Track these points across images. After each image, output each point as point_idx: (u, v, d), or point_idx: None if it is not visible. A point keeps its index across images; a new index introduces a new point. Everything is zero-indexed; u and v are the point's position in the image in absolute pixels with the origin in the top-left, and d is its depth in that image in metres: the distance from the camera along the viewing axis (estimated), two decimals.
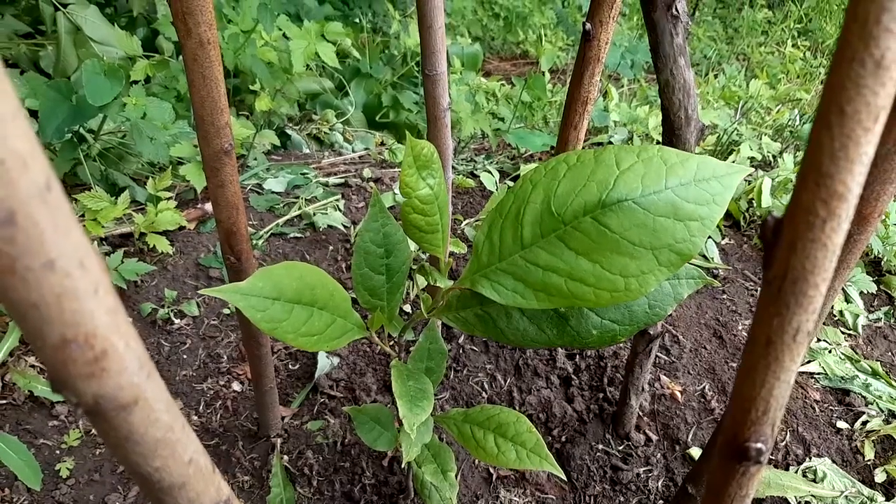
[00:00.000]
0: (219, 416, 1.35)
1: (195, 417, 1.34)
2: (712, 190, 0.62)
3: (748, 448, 0.40)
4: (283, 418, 1.34)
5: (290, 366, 1.46)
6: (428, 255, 1.03)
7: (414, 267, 0.83)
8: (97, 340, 0.29)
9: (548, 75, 2.94)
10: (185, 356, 1.44)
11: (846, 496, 1.21)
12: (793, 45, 4.54)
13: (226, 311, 1.54)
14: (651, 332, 1.14)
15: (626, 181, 0.62)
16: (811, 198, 0.32)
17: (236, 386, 1.41)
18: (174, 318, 1.49)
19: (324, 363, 1.43)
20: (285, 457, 1.28)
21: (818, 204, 0.32)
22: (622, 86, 3.43)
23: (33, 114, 1.77)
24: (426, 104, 0.91)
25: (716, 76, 3.73)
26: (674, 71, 0.72)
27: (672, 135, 0.77)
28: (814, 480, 1.24)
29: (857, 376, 1.47)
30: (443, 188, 0.64)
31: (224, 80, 0.71)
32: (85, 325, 0.28)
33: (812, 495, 1.20)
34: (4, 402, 1.28)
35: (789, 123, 2.87)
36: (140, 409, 0.34)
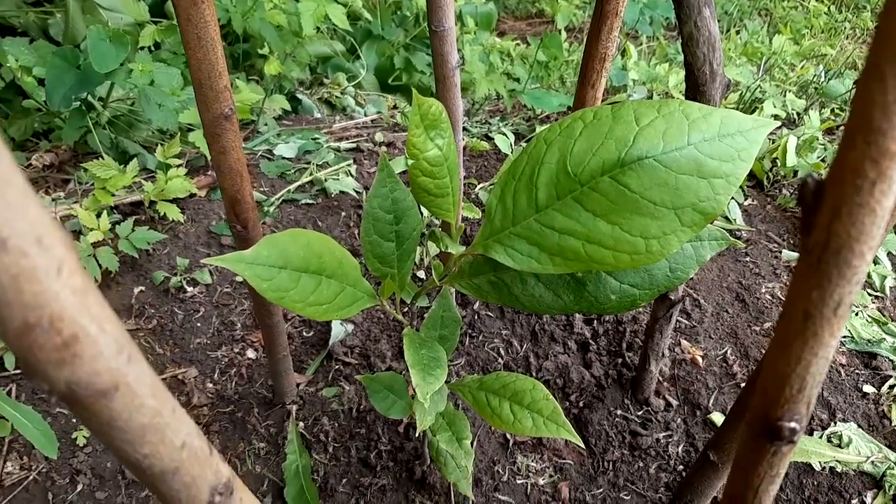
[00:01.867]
0: (234, 383, 1.34)
1: (210, 385, 1.33)
2: (737, 145, 0.59)
3: (781, 427, 0.37)
4: (297, 385, 1.33)
5: (304, 333, 1.44)
6: (440, 220, 1.00)
7: (425, 233, 0.80)
8: (64, 324, 0.26)
9: (564, 34, 2.86)
10: (198, 324, 1.43)
11: (872, 461, 1.18)
12: (816, 0, 4.38)
13: (238, 278, 1.52)
14: (672, 297, 1.10)
15: (646, 138, 0.58)
16: (859, 157, 0.28)
17: (251, 353, 1.40)
18: (187, 287, 1.47)
19: (338, 330, 1.41)
20: (301, 423, 1.27)
21: (867, 164, 0.28)
22: (641, 44, 3.33)
23: (42, 83, 1.75)
24: (434, 62, 0.87)
25: (737, 32, 3.61)
26: (698, 23, 0.67)
27: (696, 91, 0.73)
28: (839, 445, 1.21)
29: (885, 339, 1.43)
30: (452, 149, 0.61)
31: (221, 40, 0.67)
32: (49, 308, 0.26)
33: (837, 460, 1.18)
34: (19, 372, 1.28)
35: (814, 80, 2.78)
36: (122, 395, 0.31)
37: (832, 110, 2.39)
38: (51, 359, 0.27)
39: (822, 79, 2.76)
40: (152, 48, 2.09)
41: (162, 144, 1.59)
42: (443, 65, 0.86)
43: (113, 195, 1.50)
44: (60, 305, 0.26)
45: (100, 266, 1.38)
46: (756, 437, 0.40)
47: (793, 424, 0.37)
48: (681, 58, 3.03)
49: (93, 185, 1.49)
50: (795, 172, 1.87)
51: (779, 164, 1.89)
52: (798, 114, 2.33)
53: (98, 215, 1.40)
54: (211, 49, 0.65)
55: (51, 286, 0.25)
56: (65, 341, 0.27)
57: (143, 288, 1.46)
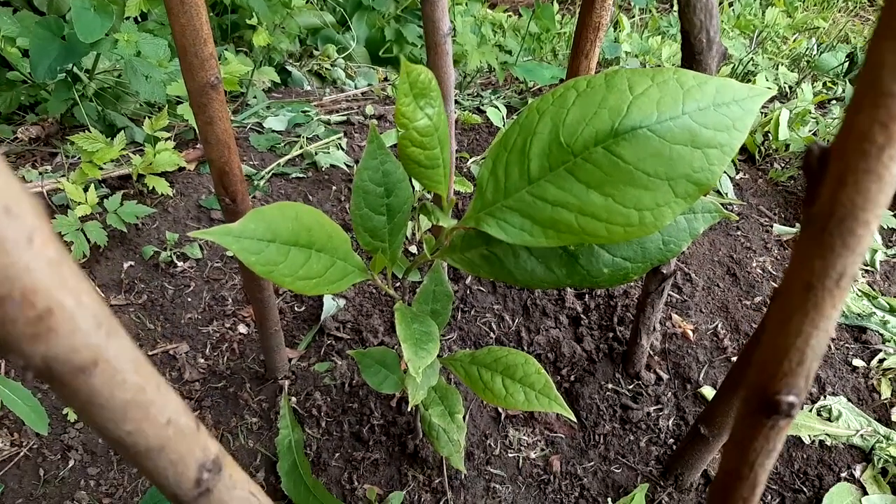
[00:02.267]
0: (226, 358, 1.33)
1: (202, 360, 1.32)
2: (732, 115, 0.58)
3: (779, 401, 0.37)
4: (289, 360, 1.32)
5: (295, 308, 1.43)
6: (432, 193, 0.99)
7: (416, 206, 0.79)
8: (38, 297, 0.25)
9: (556, 5, 2.82)
10: (189, 299, 1.42)
11: (861, 435, 1.18)
12: None
13: (229, 253, 1.51)
14: (664, 271, 1.10)
15: (640, 107, 0.57)
16: (867, 121, 0.27)
17: (242, 328, 1.39)
18: (177, 261, 1.46)
19: (330, 305, 1.41)
20: (293, 398, 1.26)
21: (876, 128, 0.27)
22: (633, 16, 3.30)
23: (27, 54, 1.71)
24: (424, 29, 0.85)
25: (730, 5, 3.58)
26: None
27: (692, 60, 0.72)
28: (828, 419, 1.21)
29: (875, 313, 1.43)
30: (443, 119, 0.59)
31: (206, 5, 0.65)
32: (21, 280, 0.24)
33: (826, 434, 1.18)
34: None
35: (806, 53, 2.76)
36: (101, 371, 0.30)
37: (824, 84, 2.38)
38: (25, 334, 0.26)
39: (815, 52, 2.74)
40: (139, 19, 2.05)
41: (150, 117, 1.56)
42: (434, 32, 0.84)
43: (100, 169, 1.48)
44: (33, 277, 0.25)
45: (88, 240, 1.36)
46: (753, 411, 0.39)
47: (791, 399, 0.37)
48: (674, 30, 3.01)
49: (80, 158, 1.46)
50: (787, 146, 1.86)
51: (771, 138, 1.88)
52: (790, 87, 2.32)
53: (85, 189, 1.38)
54: (195, 14, 0.63)
55: (21, 257, 0.24)
56: (39, 315, 0.26)
57: (132, 263, 1.44)
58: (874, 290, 1.53)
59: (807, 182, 0.32)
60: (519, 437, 1.23)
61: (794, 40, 2.87)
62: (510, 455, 1.21)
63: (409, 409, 1.23)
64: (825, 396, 1.27)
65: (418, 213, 0.75)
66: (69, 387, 0.30)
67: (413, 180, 0.86)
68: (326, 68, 2.38)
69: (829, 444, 1.19)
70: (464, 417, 1.23)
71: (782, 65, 2.52)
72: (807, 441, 1.18)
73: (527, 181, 0.62)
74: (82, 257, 1.37)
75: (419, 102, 0.57)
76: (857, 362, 1.35)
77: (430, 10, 0.81)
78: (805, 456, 1.19)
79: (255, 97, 2.01)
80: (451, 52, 0.86)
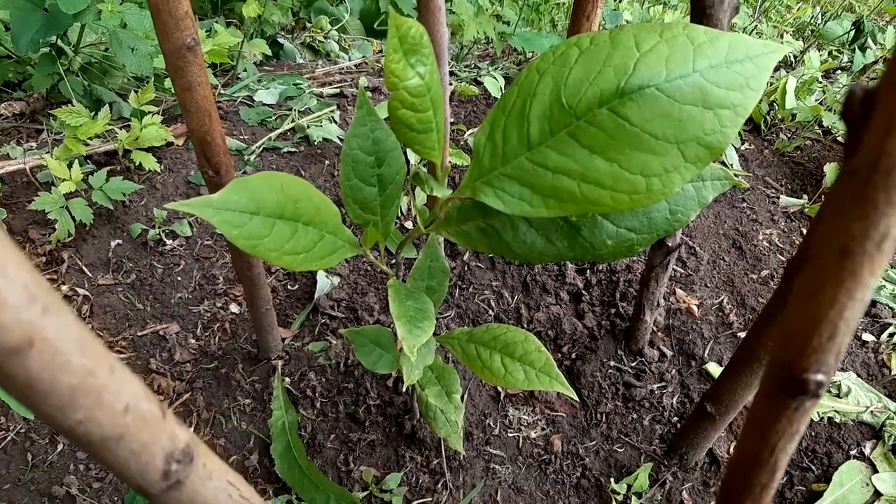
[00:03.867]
0: (217, 338, 1.30)
1: (193, 341, 1.29)
2: (746, 72, 0.54)
3: (807, 381, 0.33)
4: (283, 340, 1.29)
5: (288, 286, 1.39)
6: (427, 162, 0.94)
7: (410, 177, 0.74)
8: None
9: None
10: (179, 278, 1.38)
11: (871, 411, 1.15)
12: None
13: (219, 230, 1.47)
14: (669, 244, 1.06)
15: (647, 65, 0.52)
16: None
17: (234, 308, 1.35)
18: (166, 239, 1.42)
19: (323, 283, 1.37)
20: (287, 379, 1.23)
21: None
22: None
23: (9, 28, 1.66)
24: None
25: None
26: None
27: (702, 14, 0.67)
28: (838, 395, 1.18)
29: (885, 286, 1.39)
30: (436, 79, 0.55)
31: None
32: None
33: (836, 410, 1.15)
34: None
35: (811, 21, 2.70)
36: (39, 353, 0.26)
37: (830, 52, 2.32)
38: None
39: (820, 21, 2.68)
40: None
41: (135, 91, 1.51)
42: None
43: (85, 144, 1.43)
44: None
45: (73, 219, 1.32)
46: (776, 390, 0.35)
47: (820, 377, 0.33)
48: (675, 0, 2.94)
49: (65, 134, 1.41)
50: (794, 116, 1.82)
51: (777, 107, 1.83)
52: (795, 56, 2.26)
53: (70, 165, 1.33)
54: None
55: None
56: None
57: (120, 241, 1.40)
58: None
59: (848, 130, 0.28)
60: (519, 416, 1.20)
61: (799, 9, 2.81)
62: (510, 435, 1.18)
63: (405, 390, 1.20)
64: (834, 372, 1.24)
65: (413, 186, 0.71)
66: (2, 371, 0.26)
67: (408, 153, 0.81)
68: (319, 41, 2.32)
69: (838, 420, 1.15)
70: (462, 397, 1.20)
71: (787, 33, 2.47)
72: (815, 418, 1.15)
73: (526, 147, 0.57)
74: (67, 236, 1.33)
75: (410, 59, 0.52)
76: (867, 337, 1.31)
77: None
78: (814, 433, 1.16)
79: (245, 70, 1.95)
80: (443, 9, 0.81)
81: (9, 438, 1.13)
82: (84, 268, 1.35)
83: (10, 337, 0.25)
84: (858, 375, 1.23)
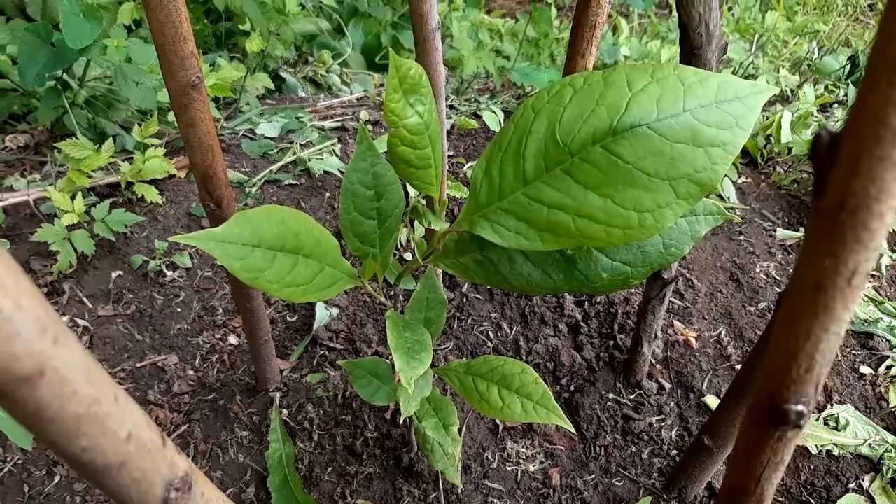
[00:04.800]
0: (215, 370, 1.30)
1: (191, 372, 1.29)
2: (735, 112, 0.55)
3: (787, 411, 0.34)
4: (281, 372, 1.29)
5: (287, 318, 1.40)
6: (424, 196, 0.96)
7: (408, 210, 0.76)
8: None
9: (554, 11, 2.80)
10: (178, 309, 1.39)
11: (870, 444, 1.15)
12: None
13: (220, 262, 1.48)
14: (665, 276, 1.07)
15: (639, 104, 0.54)
16: (882, 102, 0.25)
17: (233, 339, 1.36)
18: (166, 271, 1.43)
19: (322, 314, 1.38)
20: (284, 411, 1.23)
21: (891, 110, 0.25)
22: (632, 21, 3.29)
23: (16, 61, 1.69)
24: (412, 24, 0.82)
25: (730, 9, 3.57)
26: None
27: (691, 55, 0.69)
28: (836, 428, 1.18)
29: (882, 319, 1.40)
30: (434, 117, 0.57)
31: (185, 2, 0.63)
32: None
33: (834, 444, 1.15)
34: None
35: (807, 56, 2.75)
36: (48, 382, 0.27)
37: (826, 87, 2.36)
38: None
39: (816, 55, 2.72)
40: (133, 26, 2.03)
41: (139, 124, 1.54)
42: (422, 26, 0.81)
43: (89, 176, 1.45)
44: None
45: (75, 250, 1.34)
46: (759, 422, 0.36)
47: (800, 408, 0.34)
48: (673, 35, 3.00)
49: (68, 166, 1.44)
50: (790, 149, 1.84)
51: (773, 141, 1.86)
52: (791, 90, 2.30)
53: (73, 197, 1.35)
54: (173, 10, 0.61)
55: None
56: None
57: (120, 272, 1.41)
58: (881, 295, 1.50)
59: (815, 171, 0.29)
60: (517, 449, 1.20)
61: (795, 43, 2.86)
62: (508, 468, 1.17)
63: (402, 422, 1.20)
64: (832, 405, 1.24)
65: (408, 215, 0.73)
66: (12, 399, 0.27)
67: (407, 186, 0.83)
68: (322, 74, 2.36)
69: (836, 454, 1.15)
70: (460, 430, 1.20)
71: (783, 68, 2.51)
72: (813, 451, 1.15)
73: (522, 182, 0.59)
74: (69, 267, 1.34)
75: (409, 99, 0.54)
76: (865, 369, 1.32)
77: (417, 4, 0.79)
78: (812, 466, 1.16)
79: (248, 103, 1.99)
80: (440, 48, 0.83)
81: (5, 470, 1.13)
82: (85, 299, 1.36)
83: (22, 366, 0.26)
84: (856, 408, 1.23)
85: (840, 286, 0.30)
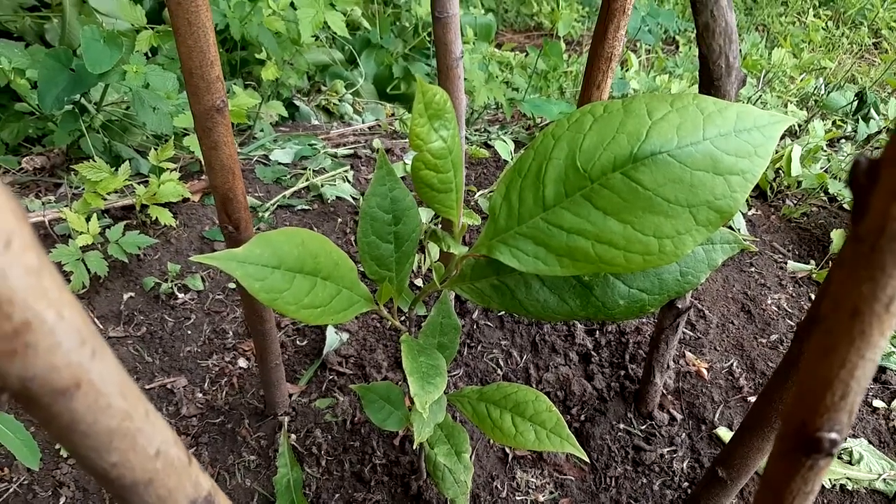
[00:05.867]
0: (224, 393, 1.30)
1: (200, 395, 1.29)
2: (754, 141, 0.56)
3: (820, 439, 0.34)
4: (290, 396, 1.29)
5: (297, 342, 1.40)
6: (441, 221, 0.96)
7: (423, 237, 0.76)
8: (15, 308, 0.23)
9: (563, 45, 2.84)
10: (189, 332, 1.39)
11: (884, 479, 1.14)
12: (814, 15, 4.38)
13: (231, 285, 1.48)
14: (679, 305, 1.07)
15: (659, 132, 0.55)
16: None
17: (242, 362, 1.36)
18: (178, 293, 1.43)
19: (332, 339, 1.37)
20: (293, 436, 1.23)
21: None
22: (640, 56, 3.32)
23: (36, 86, 1.71)
24: (437, 52, 0.83)
25: None
26: (714, 12, 0.64)
27: (710, 86, 0.70)
28: (849, 462, 1.17)
29: (894, 353, 1.39)
30: (457, 142, 0.58)
31: (214, 28, 0.64)
32: None
33: (848, 478, 1.14)
34: None
35: (814, 92, 2.77)
36: (84, 395, 0.27)
37: (834, 122, 2.37)
38: (1, 349, 0.23)
39: (823, 91, 2.74)
40: (149, 54, 2.06)
41: (154, 148, 1.56)
42: (446, 54, 0.82)
43: (104, 199, 1.47)
44: (10, 285, 0.22)
45: (88, 271, 1.34)
46: (790, 450, 0.36)
47: (833, 435, 0.34)
48: (680, 70, 3.02)
49: (83, 188, 1.45)
50: (799, 183, 1.85)
51: (783, 174, 1.87)
52: (799, 125, 2.31)
53: (88, 219, 1.36)
54: (202, 35, 0.62)
55: None
56: (16, 329, 0.23)
57: (132, 294, 1.42)
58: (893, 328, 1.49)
59: (854, 196, 0.29)
60: (527, 478, 1.19)
61: (802, 80, 2.88)
62: (518, 498, 1.16)
63: (413, 448, 1.19)
64: (846, 438, 1.23)
65: (427, 241, 0.73)
66: (48, 411, 0.27)
67: (421, 211, 0.83)
68: (334, 103, 2.38)
69: (850, 488, 1.14)
70: (470, 458, 1.19)
71: (791, 103, 2.53)
72: (827, 485, 1.14)
73: (541, 207, 0.59)
74: (81, 288, 1.35)
75: (434, 124, 0.55)
76: (878, 403, 1.31)
77: (443, 32, 0.80)
78: (826, 501, 1.14)
79: (262, 130, 2.01)
80: (462, 77, 0.84)
81: (11, 490, 1.12)
82: (96, 320, 1.36)
83: (60, 378, 0.26)
84: (870, 442, 1.22)
85: (878, 312, 0.29)
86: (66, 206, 1.50)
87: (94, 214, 1.40)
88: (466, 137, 2.03)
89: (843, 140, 2.22)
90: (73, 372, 0.27)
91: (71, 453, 0.30)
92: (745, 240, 1.59)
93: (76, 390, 0.27)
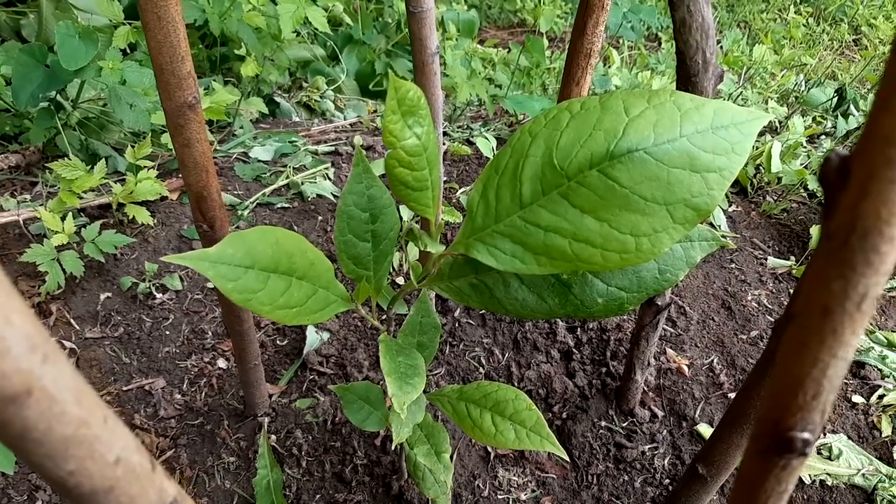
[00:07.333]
0: (203, 394, 1.28)
1: (178, 396, 1.27)
2: (731, 138, 0.56)
3: (793, 438, 0.33)
4: (270, 396, 1.27)
5: (277, 341, 1.39)
6: (419, 219, 0.96)
7: (402, 234, 0.75)
8: None
9: (546, 41, 2.84)
10: (167, 332, 1.37)
11: (863, 474, 1.15)
12: (795, 12, 4.42)
13: (209, 285, 1.47)
14: (659, 303, 1.07)
15: (636, 129, 0.54)
16: (893, 124, 0.25)
17: (221, 363, 1.34)
18: (156, 293, 1.42)
19: (313, 338, 1.36)
20: (273, 436, 1.21)
21: None
22: (622, 52, 3.33)
23: (11, 83, 1.69)
24: (412, 48, 0.82)
25: (718, 42, 3.62)
26: (691, 7, 0.63)
27: (687, 82, 0.70)
28: (829, 458, 1.18)
29: (873, 348, 1.40)
30: (432, 139, 0.57)
31: (184, 23, 0.63)
32: None
33: (827, 473, 1.14)
34: None
35: (795, 88, 2.78)
36: (36, 402, 0.26)
37: (814, 118, 2.39)
38: None
39: (803, 88, 2.76)
40: (127, 50, 2.04)
41: (132, 146, 1.53)
42: (421, 50, 0.81)
43: (80, 197, 1.44)
44: None
45: (64, 271, 1.32)
46: (763, 449, 0.36)
47: (806, 435, 0.33)
48: (662, 67, 3.03)
49: (59, 187, 1.43)
50: (779, 179, 1.86)
51: (763, 171, 1.88)
52: (780, 121, 2.32)
53: (63, 218, 1.34)
54: (172, 30, 0.61)
55: None
56: None
57: (109, 294, 1.40)
58: (871, 324, 1.50)
59: (825, 194, 0.29)
60: (509, 477, 1.18)
61: (782, 76, 2.90)
62: (500, 497, 1.16)
63: (393, 448, 1.18)
64: (825, 434, 1.23)
65: (405, 243, 0.72)
66: None
67: (400, 210, 0.82)
68: (315, 100, 2.37)
69: (829, 484, 1.15)
70: (451, 457, 1.18)
71: (771, 99, 2.54)
72: (807, 481, 1.14)
73: (519, 205, 0.59)
74: (57, 288, 1.32)
75: (407, 121, 0.54)
76: (857, 398, 1.31)
77: (418, 28, 0.79)
78: (806, 497, 1.15)
79: (241, 127, 1.99)
80: (438, 73, 0.83)
81: None
82: (72, 320, 1.34)
83: (11, 385, 0.25)
84: (849, 438, 1.23)
85: (849, 310, 0.29)
86: (42, 204, 1.47)
87: (70, 213, 1.37)
88: (448, 134, 2.02)
89: (823, 136, 2.23)
90: (24, 378, 0.26)
91: (26, 462, 0.29)
92: (723, 236, 1.60)
93: (27, 397, 0.26)
